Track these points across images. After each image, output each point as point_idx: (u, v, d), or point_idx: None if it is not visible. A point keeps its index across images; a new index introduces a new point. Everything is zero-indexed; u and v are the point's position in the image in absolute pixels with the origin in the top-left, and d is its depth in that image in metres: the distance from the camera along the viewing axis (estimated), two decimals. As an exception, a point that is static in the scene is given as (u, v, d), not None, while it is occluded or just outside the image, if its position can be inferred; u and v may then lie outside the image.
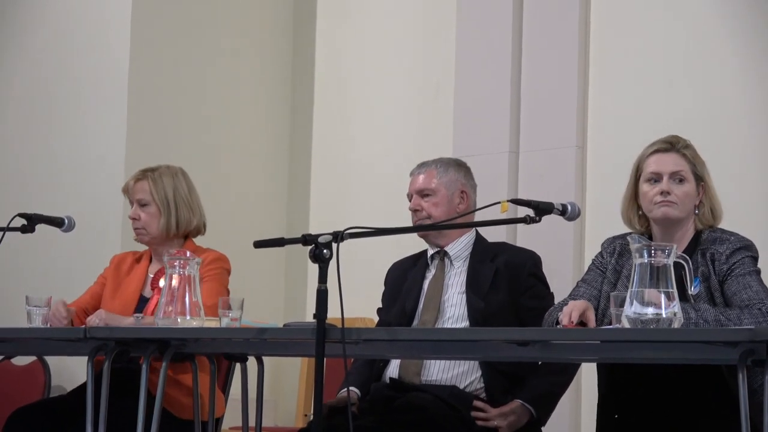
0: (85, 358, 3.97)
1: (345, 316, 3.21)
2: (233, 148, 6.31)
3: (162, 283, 4.45)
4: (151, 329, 3.92)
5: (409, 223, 4.29)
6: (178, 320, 3.80)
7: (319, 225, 5.93)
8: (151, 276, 4.56)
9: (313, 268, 3.30)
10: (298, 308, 6.24)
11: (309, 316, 3.34)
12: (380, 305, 4.40)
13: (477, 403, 4.01)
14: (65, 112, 6.13)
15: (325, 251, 3.25)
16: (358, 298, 4.09)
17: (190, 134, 6.12)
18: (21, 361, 5.82)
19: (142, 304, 4.50)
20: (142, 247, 4.69)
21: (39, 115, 6.24)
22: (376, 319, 4.41)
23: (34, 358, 5.75)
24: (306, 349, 3.69)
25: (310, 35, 6.40)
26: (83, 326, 4.11)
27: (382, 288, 4.43)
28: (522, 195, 5.19)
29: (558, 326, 3.44)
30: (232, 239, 5.37)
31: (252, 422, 4.19)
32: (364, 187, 6.10)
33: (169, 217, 4.53)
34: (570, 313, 3.39)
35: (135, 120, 5.92)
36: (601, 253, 3.80)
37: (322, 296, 3.21)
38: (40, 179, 6.17)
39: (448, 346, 3.51)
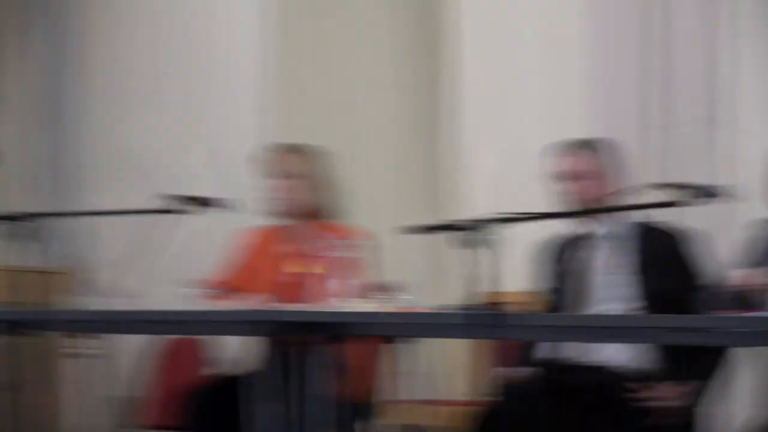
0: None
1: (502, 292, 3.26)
2: (377, 126, 6.29)
3: (296, 269, 4.52)
4: (321, 313, 3.93)
5: (557, 204, 4.30)
6: (347, 304, 3.87)
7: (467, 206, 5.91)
8: (288, 256, 4.60)
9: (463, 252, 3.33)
10: (448, 289, 6.20)
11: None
12: (530, 285, 4.46)
13: (647, 384, 3.99)
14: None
15: (477, 237, 3.31)
16: (512, 277, 4.13)
17: (330, 115, 6.14)
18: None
19: (282, 288, 4.51)
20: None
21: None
22: (529, 296, 4.45)
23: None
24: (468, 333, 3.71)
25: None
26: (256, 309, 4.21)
27: (533, 267, 4.48)
28: (669, 175, 5.14)
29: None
30: (378, 220, 5.43)
31: (419, 396, 4.25)
32: (513, 167, 6.02)
33: (318, 195, 4.60)
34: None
35: (269, 99, 5.99)
36: (754, 234, 3.80)
37: (475, 281, 3.26)
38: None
39: (614, 332, 3.46)
